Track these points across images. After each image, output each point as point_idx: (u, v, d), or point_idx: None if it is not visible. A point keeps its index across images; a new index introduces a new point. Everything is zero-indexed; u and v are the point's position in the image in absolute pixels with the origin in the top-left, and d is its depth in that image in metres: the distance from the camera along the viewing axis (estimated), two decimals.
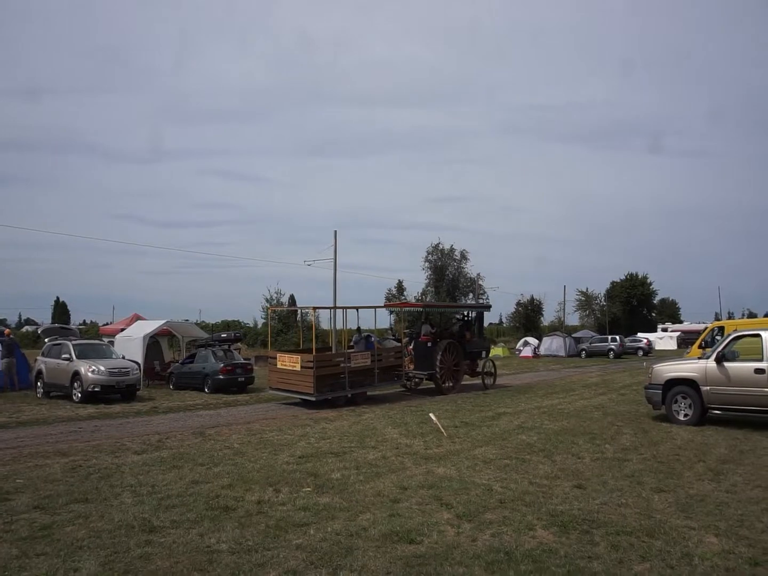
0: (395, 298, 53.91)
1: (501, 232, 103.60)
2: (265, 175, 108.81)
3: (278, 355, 15.99)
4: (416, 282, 71.01)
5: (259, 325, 51.85)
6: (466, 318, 20.64)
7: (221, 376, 18.33)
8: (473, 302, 50.73)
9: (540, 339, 46.81)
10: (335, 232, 34.04)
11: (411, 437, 10.57)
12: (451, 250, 55.37)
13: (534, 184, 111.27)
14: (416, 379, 19.14)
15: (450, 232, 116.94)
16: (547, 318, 69.38)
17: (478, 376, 20.36)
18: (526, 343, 44.14)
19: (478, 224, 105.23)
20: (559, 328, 59.54)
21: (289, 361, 15.25)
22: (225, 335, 22.20)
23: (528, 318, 61.73)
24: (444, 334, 19.56)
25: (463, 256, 55.79)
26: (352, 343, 16.81)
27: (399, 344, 18.08)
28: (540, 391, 18.62)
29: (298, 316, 46.96)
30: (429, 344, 18.18)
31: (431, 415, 11.50)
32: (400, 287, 55.30)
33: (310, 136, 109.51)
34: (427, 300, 51.36)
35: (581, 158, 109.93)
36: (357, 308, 16.82)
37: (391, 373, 17.07)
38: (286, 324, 47.38)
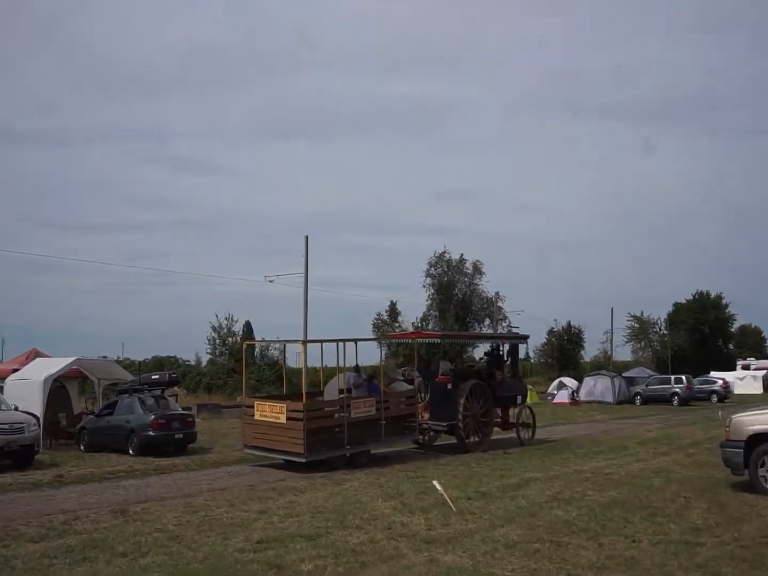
0: (386, 327, 54.14)
1: (525, 238, 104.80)
2: (215, 164, 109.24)
3: (256, 403, 16.23)
4: (415, 303, 71.31)
5: (204, 363, 51.76)
6: (495, 352, 21.00)
7: (151, 433, 18.27)
8: (503, 331, 51.08)
9: (580, 380, 47.05)
10: (306, 238, 34.48)
11: (408, 513, 10.57)
12: (461, 261, 55.99)
13: (566, 175, 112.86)
14: (432, 433, 19.33)
15: (458, 238, 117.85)
16: (589, 352, 70.12)
17: (512, 428, 20.67)
18: (561, 385, 44.35)
19: (495, 227, 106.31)
20: (605, 365, 59.96)
21: (270, 411, 15.56)
22: (157, 377, 22.15)
23: (564, 352, 62.23)
24: (468, 372, 19.92)
25: (477, 269, 56.43)
26: (349, 386, 17.12)
27: (411, 387, 18.37)
28: (580, 450, 18.67)
29: (257, 350, 47.10)
30: (449, 386, 18.48)
31: (435, 482, 11.47)
32: (392, 311, 55.56)
33: (275, 112, 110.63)
34: (429, 328, 51.59)
35: (628, 142, 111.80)
36: (355, 341, 17.15)
37: (402, 425, 17.40)
38: (240, 361, 47.16)
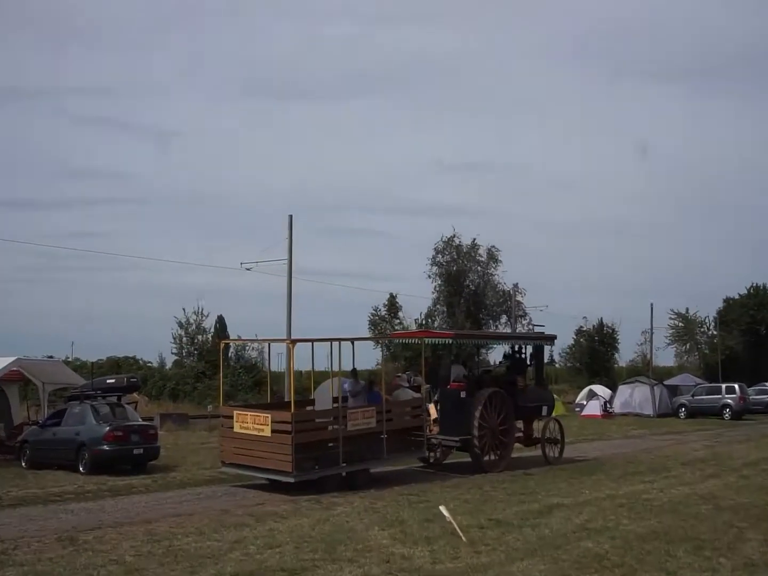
0: (384, 324, 54.23)
1: (550, 220, 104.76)
2: (177, 128, 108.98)
3: (236, 413, 16.35)
4: (418, 297, 71.24)
5: (169, 365, 51.82)
6: (517, 354, 21.12)
7: (106, 447, 18.29)
8: (524, 330, 51.02)
9: (614, 388, 47.12)
10: (290, 218, 34.49)
11: (410, 544, 10.59)
12: (473, 246, 55.92)
13: (599, 144, 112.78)
14: (442, 449, 19.50)
15: (471, 219, 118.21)
16: (625, 355, 69.99)
17: (536, 444, 20.86)
18: (591, 395, 44.44)
19: (513, 206, 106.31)
20: (643, 371, 60.02)
21: (253, 423, 15.69)
22: (113, 381, 22.16)
23: (595, 355, 62.25)
24: (484, 379, 20.07)
25: (492, 257, 56.33)
26: (344, 393, 17.24)
27: (418, 395, 18.50)
28: (614, 471, 18.72)
29: (231, 351, 47.14)
30: (462, 395, 18.59)
31: (442, 507, 11.46)
32: (392, 305, 55.57)
33: (250, 66, 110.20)
34: (436, 326, 51.67)
35: (674, 103, 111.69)
36: (352, 340, 17.49)
37: (407, 440, 17.57)
38: (213, 363, 47.29)
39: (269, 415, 15.58)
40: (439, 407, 19.09)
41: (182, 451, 22.56)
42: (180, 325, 49.50)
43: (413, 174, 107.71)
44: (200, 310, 49.57)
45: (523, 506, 13.59)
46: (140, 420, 20.58)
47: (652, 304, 60.60)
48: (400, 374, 21.03)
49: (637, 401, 42.87)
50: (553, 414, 22.26)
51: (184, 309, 49.49)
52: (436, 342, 21.04)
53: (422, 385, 18.89)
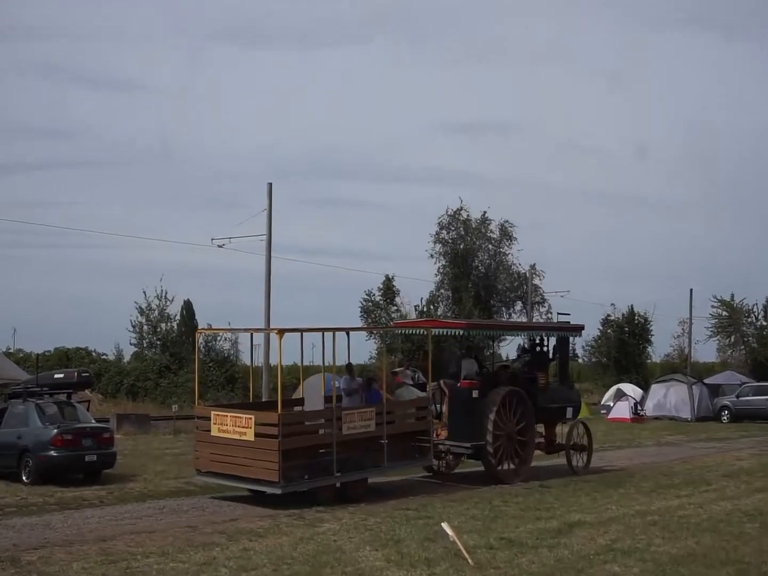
0: (379, 311, 54.23)
1: (570, 191, 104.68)
2: (135, 78, 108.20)
3: (214, 414, 16.50)
4: (419, 280, 71.03)
5: (127, 358, 51.77)
6: (538, 347, 21.31)
7: (53, 453, 18.29)
8: (542, 319, 51.01)
9: (646, 387, 47.21)
10: (270, 187, 34.40)
11: (408, 567, 10.63)
12: (483, 221, 55.92)
13: (640, 106, 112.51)
14: (450, 457, 19.71)
15: (479, 190, 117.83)
16: (659, 349, 70.18)
17: (559, 451, 21.06)
18: (620, 395, 44.53)
19: (530, 175, 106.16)
20: (680, 367, 60.17)
21: (233, 425, 15.81)
22: (62, 376, 22.10)
23: (624, 349, 62.43)
24: (500, 375, 20.19)
25: (505, 234, 56.35)
26: (338, 392, 17.38)
27: (424, 394, 18.65)
28: (645, 484, 18.83)
29: (200, 341, 47.01)
30: (475, 394, 18.74)
31: (445, 525, 11.51)
32: (388, 289, 55.55)
33: (218, 4, 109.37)
34: (439, 314, 51.71)
35: (712, 53, 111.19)
36: (347, 330, 17.56)
37: (411, 446, 17.80)
38: (178, 356, 47.36)
39: (252, 417, 15.68)
40: (447, 408, 19.20)
41: (142, 458, 22.60)
42: (140, 311, 49.39)
43: (414, 135, 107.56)
44: (164, 294, 49.41)
45: (539, 524, 13.62)
46: (93, 422, 20.54)
47: (691, 290, 60.81)
48: (397, 370, 21.07)
49: (673, 402, 42.99)
50: (579, 416, 22.40)
51: (144, 292, 49.32)
52: (445, 333, 21.06)
53: (428, 383, 19.02)
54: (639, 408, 42.07)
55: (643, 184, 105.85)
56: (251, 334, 19.36)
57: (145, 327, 49.78)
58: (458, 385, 19.09)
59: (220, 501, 16.09)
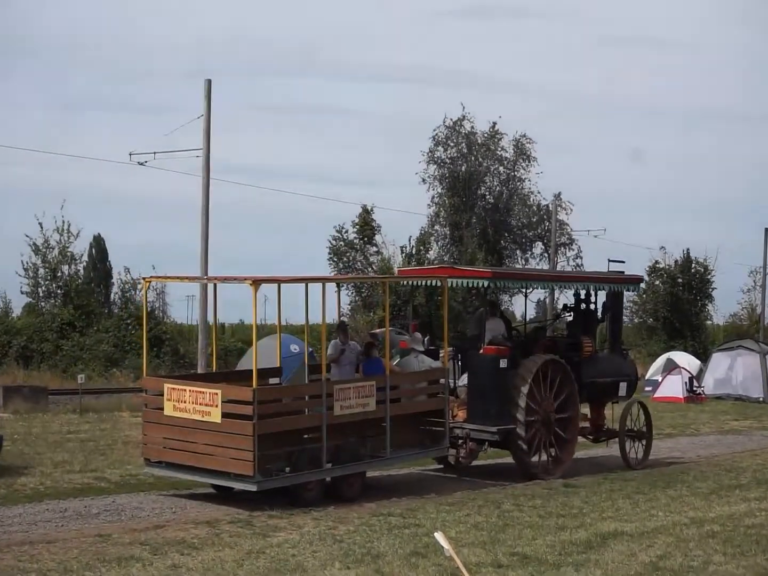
0: (353, 253, 54.03)
1: (605, 98, 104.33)
2: None
3: (168, 388, 16.57)
4: (406, 213, 71.01)
5: (17, 311, 51.45)
6: (583, 305, 21.61)
7: None
8: (569, 266, 50.96)
9: (705, 357, 47.38)
10: (208, 85, 34.24)
11: None
12: (492, 135, 55.78)
13: None
14: (470, 444, 19.76)
15: (488, 94, 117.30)
16: (723, 307, 70.54)
17: (610, 439, 21.65)
18: (671, 366, 44.65)
19: (554, 76, 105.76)
20: (750, 331, 60.41)
21: (194, 402, 15.95)
22: None
23: (678, 306, 62.55)
24: (534, 340, 20.58)
25: (521, 153, 56.28)
26: (330, 359, 17.61)
27: (438, 363, 19.03)
28: (703, 484, 19.01)
29: (114, 292, 46.93)
30: (503, 363, 18.88)
31: (439, 535, 11.48)
32: (365, 224, 55.33)
33: None
34: (434, 260, 51.68)
35: None
36: (338, 281, 17.57)
37: (421, 431, 18.20)
38: (86, 310, 47.12)
39: (219, 392, 15.72)
40: (465, 383, 19.49)
41: (38, 445, 22.52)
42: (34, 248, 48.75)
43: (400, 21, 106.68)
44: (66, 227, 48.87)
45: (563, 534, 13.67)
46: None
47: (766, 230, 61.06)
48: (405, 337, 21.17)
49: (740, 377, 43.11)
50: (634, 395, 22.72)
51: (40, 224, 48.57)
52: (466, 284, 21.01)
53: (440, 349, 19.25)
54: (696, 384, 42.25)
55: (702, 95, 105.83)
56: (214, 285, 19.23)
57: (41, 270, 49.06)
58: (481, 351, 19.23)
59: (141, 502, 16.07)
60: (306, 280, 17.19)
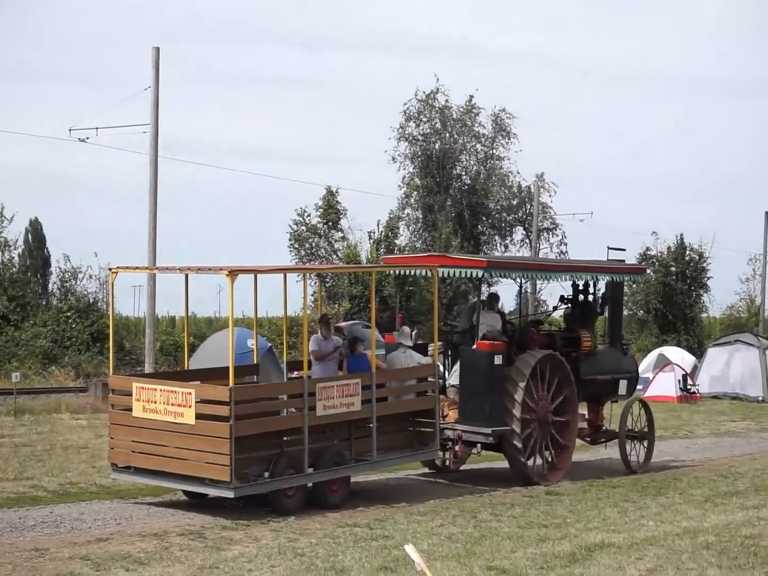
0: (316, 238, 53.89)
1: (598, 68, 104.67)
2: None
3: (136, 387, 16.69)
4: (375, 195, 71.02)
5: None
6: (582, 295, 21.90)
7: None
8: (552, 254, 51.10)
9: (700, 353, 47.58)
10: (156, 54, 34.10)
11: None
12: (469, 110, 55.83)
13: None
14: (461, 446, 19.92)
15: (463, 62, 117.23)
16: (720, 297, 70.60)
17: (609, 440, 21.95)
18: (663, 362, 44.79)
19: (537, 44, 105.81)
20: (749, 324, 60.68)
21: (165, 403, 16.14)
22: None
23: (670, 297, 62.68)
24: (530, 335, 20.57)
25: (501, 129, 56.32)
26: (313, 355, 17.72)
27: (427, 360, 19.18)
28: (697, 491, 19.08)
29: (53, 281, 46.62)
30: (498, 360, 19.02)
31: (409, 548, 11.52)
32: (329, 207, 55.26)
33: None
34: (405, 247, 51.72)
35: None
36: (319, 271, 17.43)
37: (409, 432, 18.45)
38: (20, 302, 46.79)
39: (192, 391, 15.83)
40: (456, 380, 19.67)
41: None
42: None
43: None
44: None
45: (545, 546, 13.68)
46: None
47: (767, 214, 61.35)
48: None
49: (738, 375, 43.28)
50: (635, 393, 23.17)
51: None
52: (458, 274, 21.04)
53: (428, 345, 19.53)
54: (690, 382, 42.39)
55: (696, 63, 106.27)
56: (185, 275, 19.18)
57: None
58: (474, 347, 19.33)
59: (83, 511, 16.00)
60: (285, 270, 17.33)
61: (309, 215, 54.10)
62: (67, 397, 31.74)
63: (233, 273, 16.01)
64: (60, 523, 15.36)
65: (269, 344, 26.06)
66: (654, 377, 42.97)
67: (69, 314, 45.19)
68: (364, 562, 12.58)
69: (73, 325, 44.79)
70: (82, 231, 76.43)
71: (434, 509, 16.71)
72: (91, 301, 47.22)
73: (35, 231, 52.10)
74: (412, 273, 23.18)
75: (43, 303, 49.37)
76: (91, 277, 47.30)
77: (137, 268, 21.54)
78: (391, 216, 54.67)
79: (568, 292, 22.17)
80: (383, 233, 53.41)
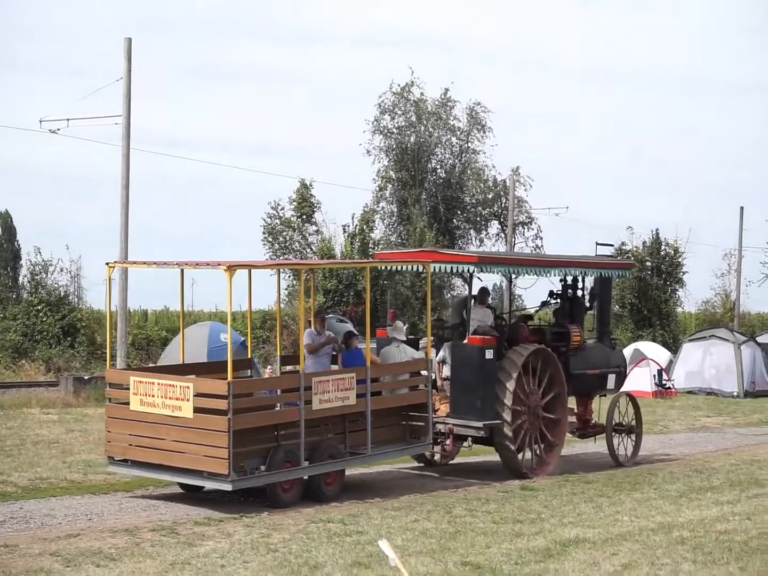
0: (290, 231, 53.72)
1: (573, 62, 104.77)
2: None
3: (134, 381, 16.83)
4: (349, 188, 71.05)
5: None
6: (570, 292, 22.13)
7: None
8: (529, 249, 51.07)
9: (675, 348, 47.69)
10: (128, 44, 33.85)
11: None
12: (444, 103, 55.75)
13: None
14: (452, 440, 19.99)
15: (440, 55, 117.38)
16: (696, 293, 70.70)
17: (597, 434, 22.28)
18: (638, 358, 44.93)
19: (516, 37, 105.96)
20: (724, 320, 60.79)
21: (163, 396, 16.29)
22: None
23: (646, 292, 62.84)
24: (521, 330, 20.79)
25: (476, 122, 56.31)
26: (307, 349, 17.77)
27: (420, 354, 19.38)
28: (671, 486, 19.19)
29: (23, 275, 46.42)
30: (489, 354, 19.26)
31: (384, 544, 11.53)
32: (303, 200, 55.12)
33: None
34: (380, 242, 51.63)
35: None
36: (312, 266, 17.64)
37: (402, 426, 18.71)
38: None
39: (190, 385, 15.92)
40: (448, 375, 19.84)
41: None
42: None
43: None
44: None
45: (520, 542, 13.73)
46: None
47: (742, 209, 61.55)
48: (389, 327, 21.27)
49: (713, 370, 43.47)
50: (623, 388, 23.36)
51: None
52: (449, 269, 21.20)
53: (420, 341, 19.64)
54: (665, 377, 42.48)
55: (682, 57, 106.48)
56: (181, 271, 19.14)
57: None
58: (465, 342, 19.51)
59: (53, 507, 15.96)
60: (281, 265, 17.33)
61: (283, 208, 53.89)
62: (38, 391, 31.64)
63: (231, 268, 16.12)
64: (30, 518, 15.33)
65: (242, 338, 26.08)
66: (629, 372, 43.02)
67: (40, 308, 45.04)
68: (337, 558, 12.62)
69: (44, 319, 44.64)
70: (53, 223, 75.98)
71: (409, 504, 16.75)
72: (62, 294, 47.12)
73: (5, 223, 51.94)
74: (403, 268, 23.30)
75: (13, 296, 49.25)
76: (62, 270, 47.21)
77: (134, 262, 21.54)
78: (366, 209, 54.65)
79: (557, 287, 22.25)
80: (358, 227, 53.31)
